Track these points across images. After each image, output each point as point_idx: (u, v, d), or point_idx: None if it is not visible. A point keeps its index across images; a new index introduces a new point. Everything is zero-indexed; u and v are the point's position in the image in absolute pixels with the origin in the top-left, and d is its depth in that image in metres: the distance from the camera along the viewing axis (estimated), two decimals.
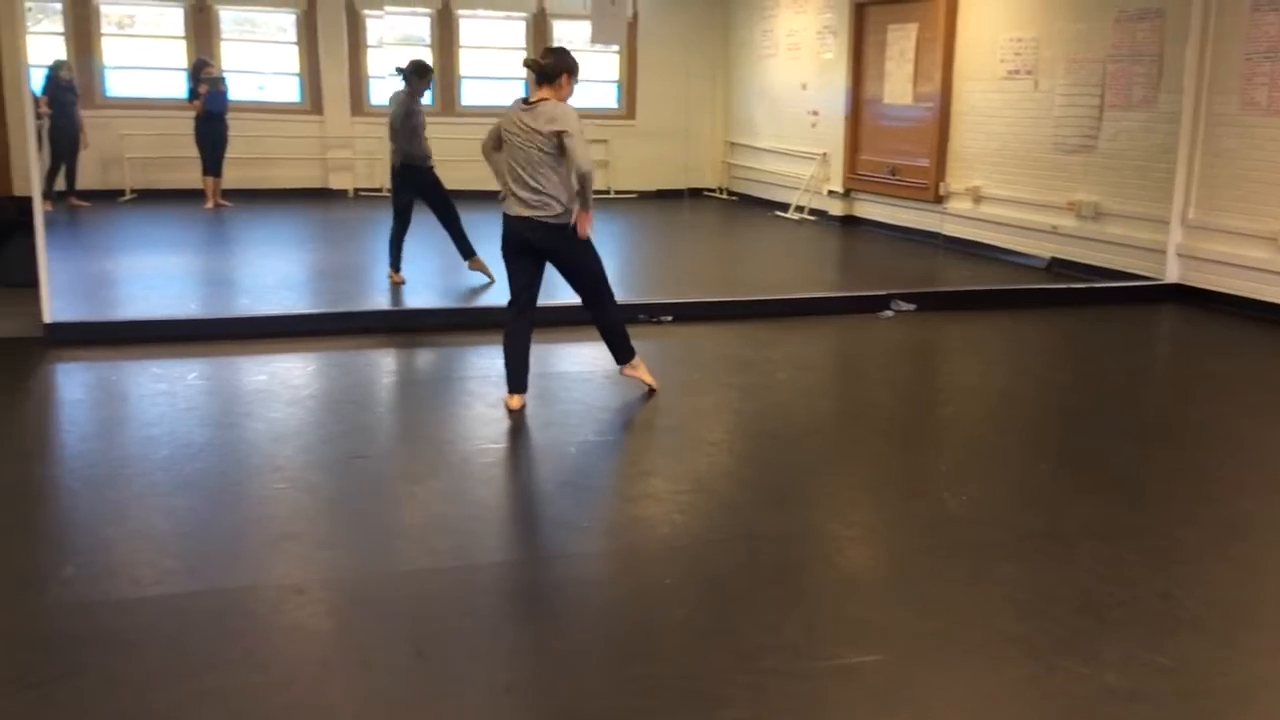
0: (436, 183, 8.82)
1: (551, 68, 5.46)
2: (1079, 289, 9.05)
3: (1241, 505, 4.64)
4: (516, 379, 5.68)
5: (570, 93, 5.52)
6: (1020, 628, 3.43)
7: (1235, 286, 8.46)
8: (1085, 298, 8.90)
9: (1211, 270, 8.69)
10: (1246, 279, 8.38)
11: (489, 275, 8.70)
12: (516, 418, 5.54)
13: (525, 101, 5.54)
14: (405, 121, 8.62)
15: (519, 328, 5.68)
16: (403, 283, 8.70)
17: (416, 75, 8.71)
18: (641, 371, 5.98)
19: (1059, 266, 10.06)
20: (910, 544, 4.20)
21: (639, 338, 6.17)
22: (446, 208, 8.84)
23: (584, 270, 5.73)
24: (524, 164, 5.44)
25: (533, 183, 5.43)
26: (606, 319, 5.89)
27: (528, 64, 5.58)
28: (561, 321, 7.09)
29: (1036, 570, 3.88)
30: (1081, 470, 5.03)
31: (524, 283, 5.66)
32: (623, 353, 5.96)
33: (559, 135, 5.34)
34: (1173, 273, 8.98)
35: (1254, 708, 3.09)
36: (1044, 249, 10.26)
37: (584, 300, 5.87)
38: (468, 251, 8.88)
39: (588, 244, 5.65)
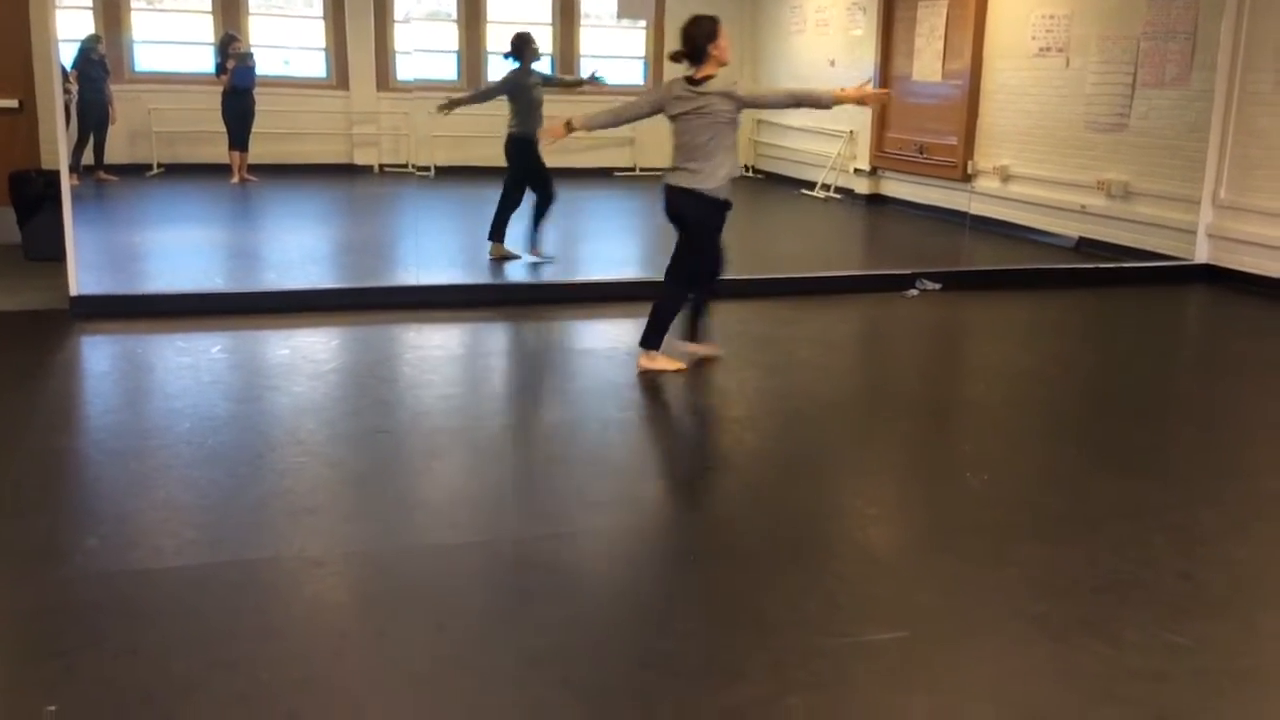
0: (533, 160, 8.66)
1: (696, 47, 5.56)
2: (1107, 269, 8.97)
3: (1265, 486, 4.60)
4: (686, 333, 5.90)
5: (725, 53, 5.61)
6: (1041, 607, 3.41)
7: (1266, 268, 8.37)
8: (1113, 278, 8.82)
9: (1242, 251, 8.59)
10: (1278, 260, 8.27)
11: (514, 256, 8.67)
12: (540, 394, 5.54)
13: (690, 80, 5.62)
14: (523, 96, 8.51)
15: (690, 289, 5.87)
16: (516, 258, 8.68)
17: (527, 47, 8.61)
18: (659, 363, 5.91)
19: (1087, 246, 9.97)
20: (932, 523, 4.18)
21: None
22: (545, 186, 8.68)
23: (697, 240, 5.78)
24: (696, 134, 5.58)
25: (697, 154, 5.58)
26: (662, 290, 5.90)
27: (674, 58, 5.68)
28: (585, 298, 7.10)
29: (1058, 550, 3.85)
30: (1105, 450, 4.99)
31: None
32: (649, 337, 5.89)
33: (729, 97, 5.50)
34: (1202, 253, 8.89)
35: (1276, 689, 3.06)
36: (1072, 228, 10.17)
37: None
38: (497, 235, 8.80)
39: (715, 223, 5.74)
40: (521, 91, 8.56)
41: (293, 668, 2.99)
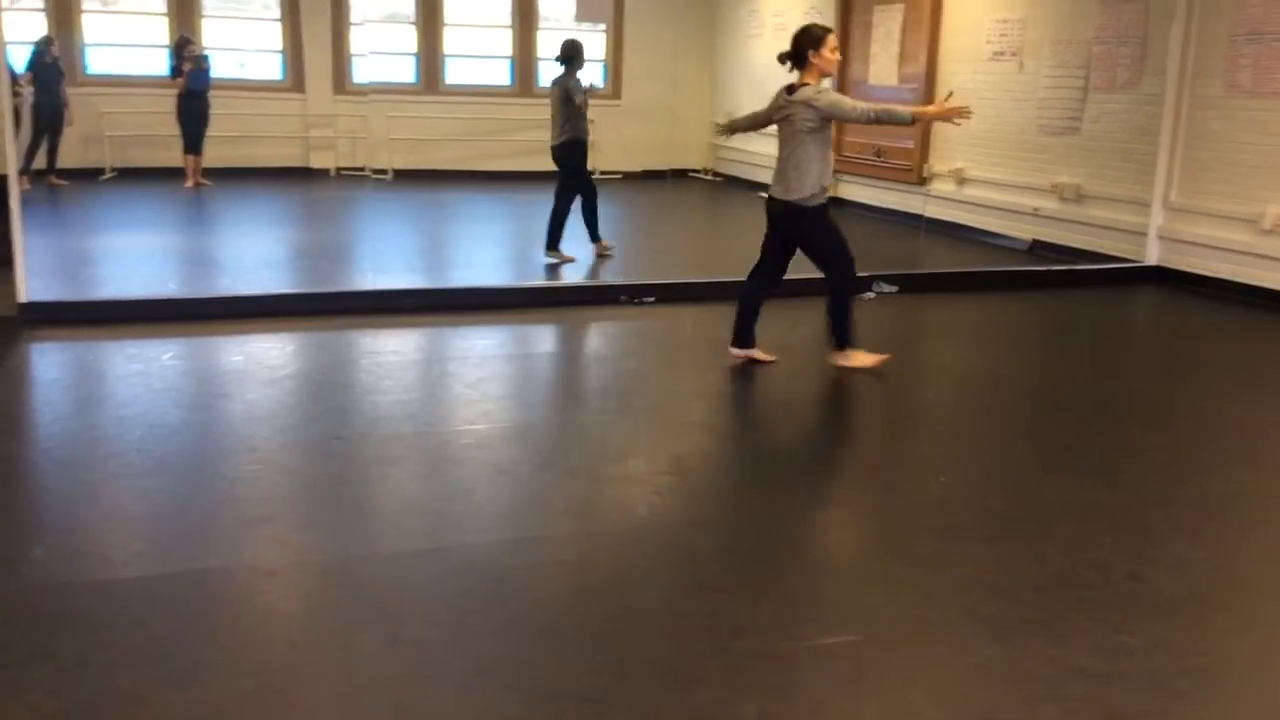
0: (585, 161, 9.11)
1: (796, 51, 5.74)
2: (1059, 271, 9.07)
3: (1214, 486, 4.66)
4: (736, 334, 6.08)
5: (829, 63, 5.75)
6: (992, 609, 3.44)
7: (1216, 269, 8.49)
8: (1066, 280, 8.91)
9: (1192, 253, 8.71)
10: (1227, 261, 8.40)
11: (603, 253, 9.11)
12: (497, 400, 5.52)
13: (789, 87, 5.80)
14: (574, 99, 8.82)
15: (749, 289, 6.13)
16: (610, 251, 9.10)
17: (579, 55, 9.01)
18: (856, 359, 6.01)
19: (1040, 249, 10.07)
20: (886, 526, 4.20)
21: (620, 319, 6.17)
22: (589, 188, 9.08)
23: (814, 249, 5.99)
24: (785, 143, 5.80)
25: (788, 163, 5.79)
26: (830, 300, 6.05)
27: (780, 59, 5.87)
28: (542, 303, 7.08)
29: (1010, 552, 3.89)
30: (1057, 451, 5.04)
31: (765, 252, 6.12)
32: (836, 341, 6.03)
33: (810, 106, 5.62)
34: (1153, 255, 9.00)
35: (1224, 688, 3.11)
36: (1026, 231, 10.27)
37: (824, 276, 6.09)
38: (594, 235, 9.18)
39: (818, 226, 5.89)
40: (577, 96, 8.86)
41: (243, 679, 2.96)
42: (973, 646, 3.22)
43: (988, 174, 10.74)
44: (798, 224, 5.91)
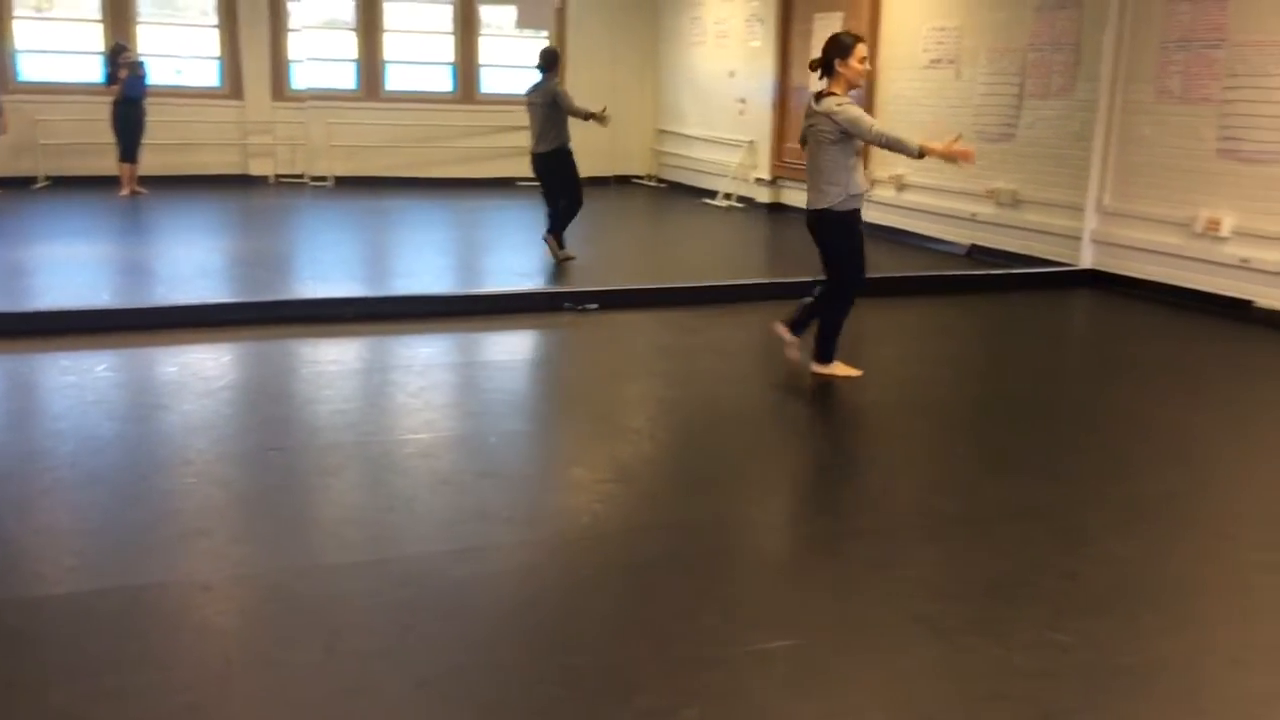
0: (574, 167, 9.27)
1: (825, 61, 5.78)
2: (996, 275, 9.20)
3: (1147, 487, 4.74)
4: (793, 318, 6.19)
5: (856, 73, 5.76)
6: (931, 609, 3.47)
7: (1148, 272, 8.64)
8: (1003, 284, 9.04)
9: (1126, 256, 8.86)
10: (1159, 264, 8.56)
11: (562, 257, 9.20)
12: (439, 408, 5.48)
13: (816, 96, 5.83)
14: (560, 105, 8.96)
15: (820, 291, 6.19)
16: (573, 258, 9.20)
17: (558, 61, 9.24)
18: (836, 370, 6.11)
19: (978, 253, 10.20)
20: (827, 529, 4.23)
21: (563, 326, 6.15)
22: (575, 189, 9.24)
23: (828, 258, 6.03)
24: (812, 152, 5.86)
25: (812, 171, 5.89)
26: (823, 311, 6.10)
27: (811, 66, 5.95)
28: (485, 310, 7.04)
29: (949, 552, 3.93)
30: (995, 453, 5.11)
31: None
32: (819, 352, 6.10)
33: (829, 118, 5.66)
34: (1087, 258, 9.15)
35: (1157, 686, 3.15)
36: (964, 236, 10.40)
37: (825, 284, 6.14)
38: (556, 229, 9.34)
39: (839, 237, 5.95)
40: (565, 102, 9.00)
41: (177, 696, 2.92)
42: (914, 647, 3.25)
43: (926, 180, 10.86)
44: (821, 225, 5.98)
